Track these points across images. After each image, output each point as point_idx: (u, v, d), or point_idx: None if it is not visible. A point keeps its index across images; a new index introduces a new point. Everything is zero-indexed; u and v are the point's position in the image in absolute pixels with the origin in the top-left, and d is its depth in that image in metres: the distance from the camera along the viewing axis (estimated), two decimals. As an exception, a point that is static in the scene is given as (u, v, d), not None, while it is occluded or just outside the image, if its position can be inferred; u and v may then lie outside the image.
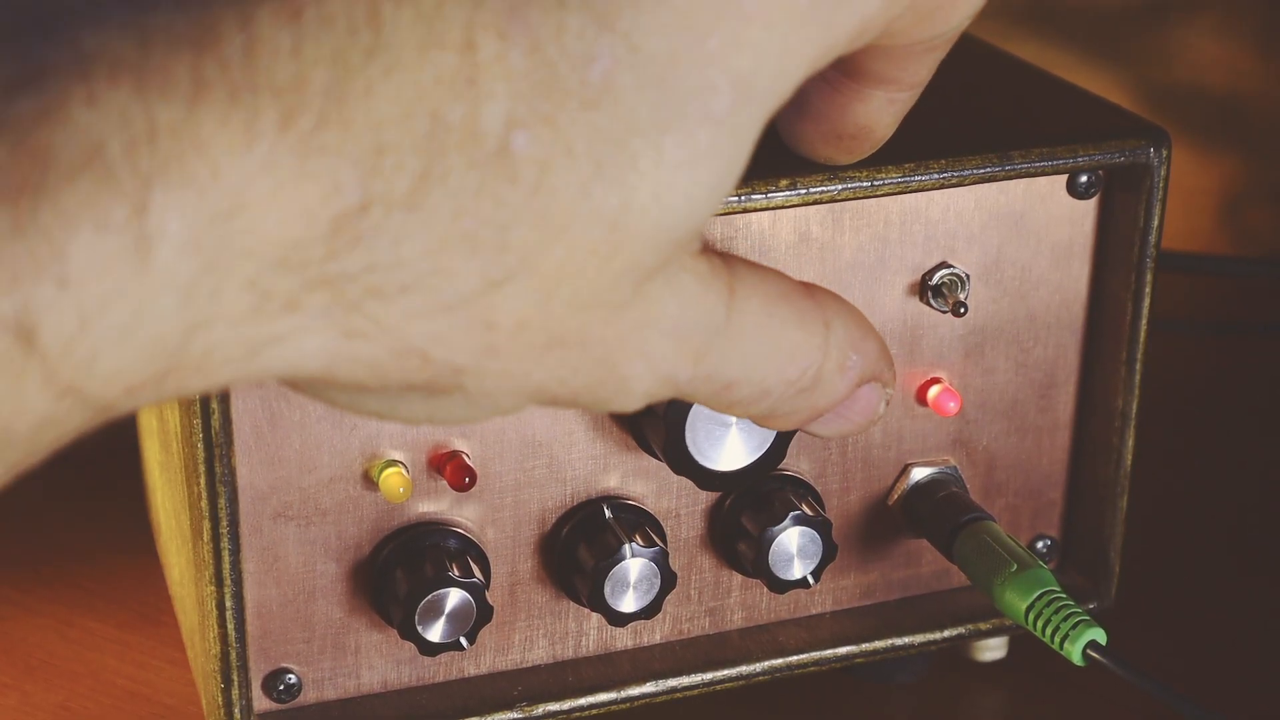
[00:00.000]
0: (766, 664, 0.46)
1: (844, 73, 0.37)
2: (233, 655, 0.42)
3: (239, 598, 0.41)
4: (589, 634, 0.46)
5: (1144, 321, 0.46)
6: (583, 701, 0.45)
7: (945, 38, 0.35)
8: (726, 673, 0.46)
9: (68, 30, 0.25)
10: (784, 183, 0.41)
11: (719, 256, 0.32)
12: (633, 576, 0.43)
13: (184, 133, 0.25)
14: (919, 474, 0.47)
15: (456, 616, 0.42)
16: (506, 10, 0.27)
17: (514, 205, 0.27)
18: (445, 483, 0.42)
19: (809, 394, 0.33)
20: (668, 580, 0.44)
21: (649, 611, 0.44)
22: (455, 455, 0.42)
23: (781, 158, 0.41)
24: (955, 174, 0.43)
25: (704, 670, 0.46)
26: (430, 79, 0.26)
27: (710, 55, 0.28)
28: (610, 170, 0.28)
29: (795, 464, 0.45)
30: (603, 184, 0.28)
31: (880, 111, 0.38)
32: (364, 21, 0.26)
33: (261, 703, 0.43)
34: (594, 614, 0.45)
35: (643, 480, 0.44)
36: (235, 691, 0.42)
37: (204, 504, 0.40)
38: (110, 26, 0.25)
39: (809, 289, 0.34)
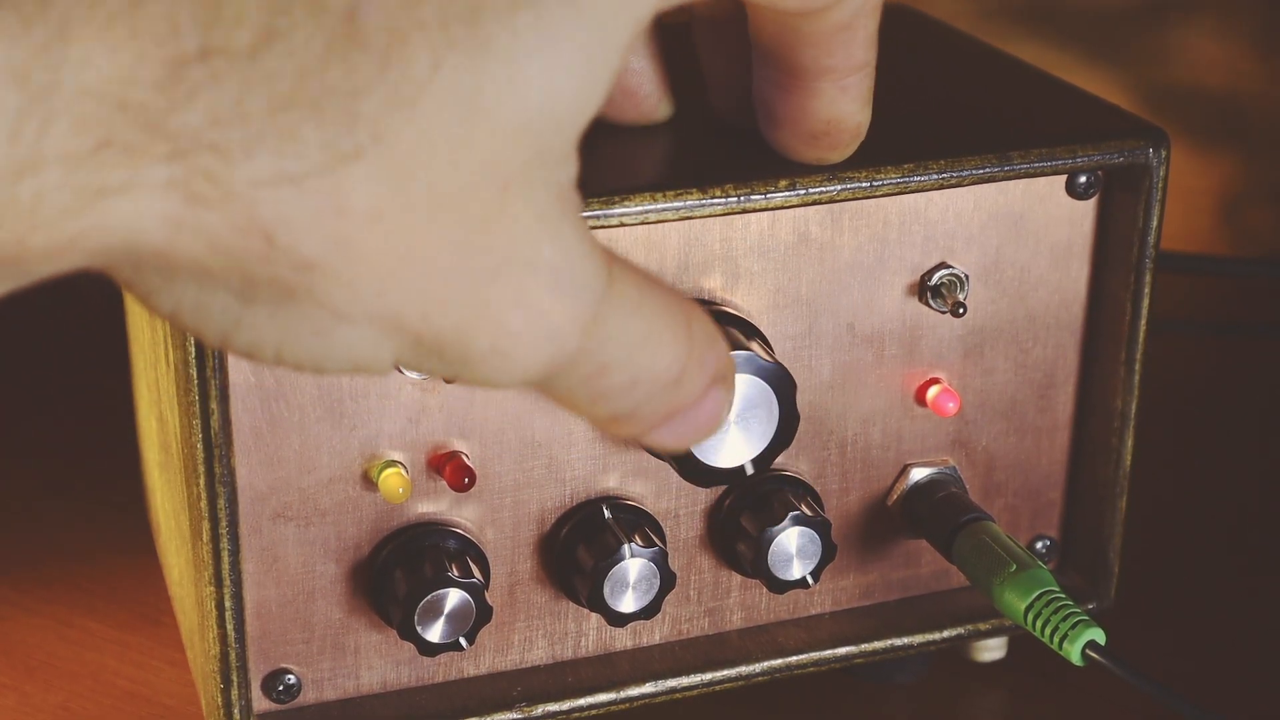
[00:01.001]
0: (766, 664, 0.46)
1: (785, 73, 0.38)
2: (232, 656, 0.42)
3: (238, 598, 0.41)
4: (588, 634, 0.46)
5: (1143, 322, 0.46)
6: (582, 702, 0.45)
7: (847, 12, 0.35)
8: (726, 673, 0.46)
9: None
10: (783, 183, 0.41)
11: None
12: (632, 577, 0.43)
13: None
14: (918, 474, 0.47)
15: (456, 617, 0.42)
16: None
17: (363, 73, 0.26)
18: (444, 483, 0.42)
19: (671, 390, 0.32)
20: (667, 580, 0.44)
21: (648, 612, 0.44)
22: (454, 456, 0.42)
23: (780, 158, 0.41)
24: (954, 174, 0.43)
25: (703, 671, 0.46)
26: None
27: None
28: (463, 47, 0.27)
29: (794, 464, 0.45)
30: (455, 58, 0.27)
31: (837, 101, 0.38)
32: None
33: (261, 703, 0.43)
34: (593, 614, 0.45)
35: (642, 480, 0.44)
36: (235, 692, 0.42)
37: (203, 504, 0.40)
38: None
39: (665, 284, 0.32)
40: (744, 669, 0.46)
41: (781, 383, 0.42)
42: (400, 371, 0.39)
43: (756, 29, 0.38)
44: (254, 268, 0.27)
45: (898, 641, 0.47)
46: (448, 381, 0.30)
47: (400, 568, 0.42)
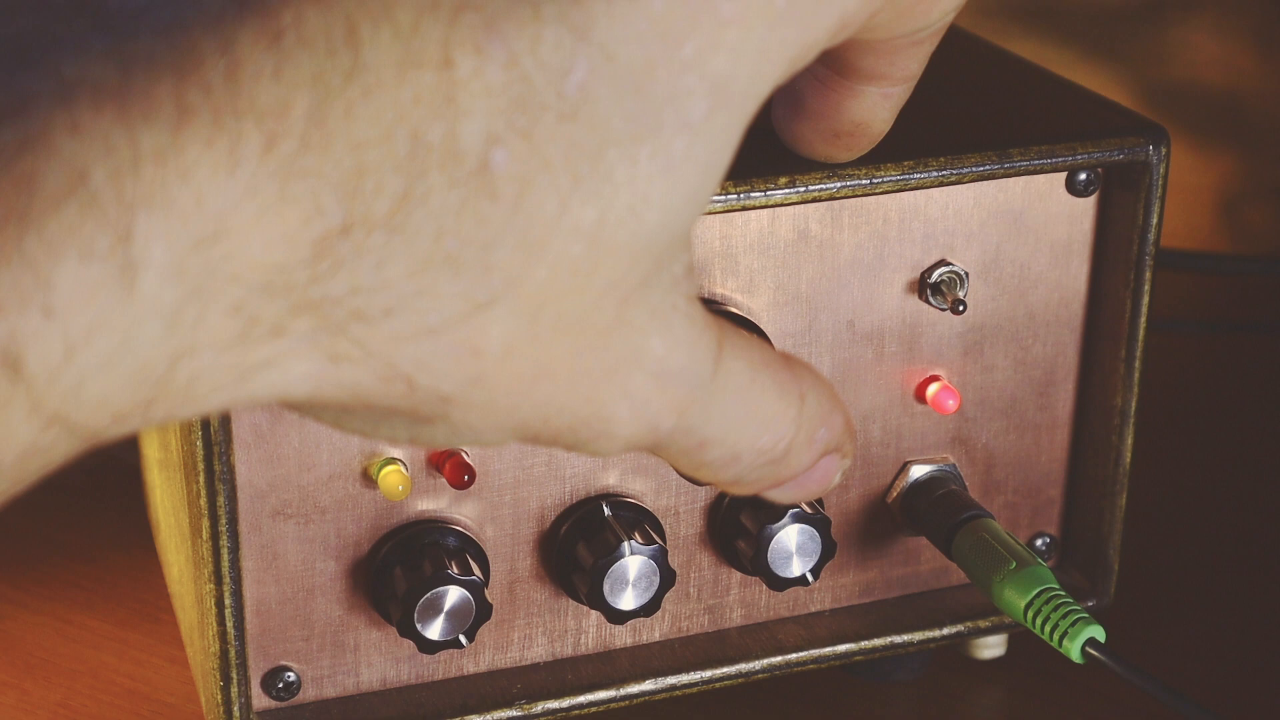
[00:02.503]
0: (765, 662, 0.46)
1: (835, 70, 0.37)
2: (232, 653, 0.42)
3: (238, 595, 0.41)
4: (588, 632, 0.46)
5: (1143, 319, 0.46)
6: (582, 699, 0.45)
7: (930, 31, 0.35)
8: (725, 671, 0.46)
9: (49, 59, 0.25)
10: (783, 180, 0.41)
11: (711, 314, 0.31)
12: (631, 574, 0.43)
13: (168, 158, 0.25)
14: (918, 472, 0.47)
15: (455, 614, 0.42)
16: (483, 25, 0.26)
17: (495, 224, 0.27)
18: (444, 480, 0.42)
19: (776, 465, 0.33)
20: (667, 578, 0.44)
21: (648, 609, 0.44)
22: (454, 453, 0.42)
23: (780, 156, 0.41)
24: (954, 171, 0.43)
25: (703, 668, 0.46)
26: (409, 98, 0.26)
27: (686, 62, 0.28)
28: (587, 183, 0.27)
29: (794, 462, 0.45)
30: (580, 197, 0.27)
31: (875, 107, 0.38)
32: (342, 43, 0.26)
33: (260, 700, 0.43)
34: (593, 612, 0.45)
35: (641, 478, 0.44)
36: (234, 689, 0.42)
37: (203, 502, 0.40)
38: (92, 54, 0.25)
39: (787, 359, 0.33)
40: (744, 666, 0.46)
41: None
42: None
43: None
44: (395, 403, 0.28)
45: (897, 639, 0.47)
46: None
47: (400, 565, 0.42)
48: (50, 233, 0.24)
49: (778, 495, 0.34)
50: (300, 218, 0.26)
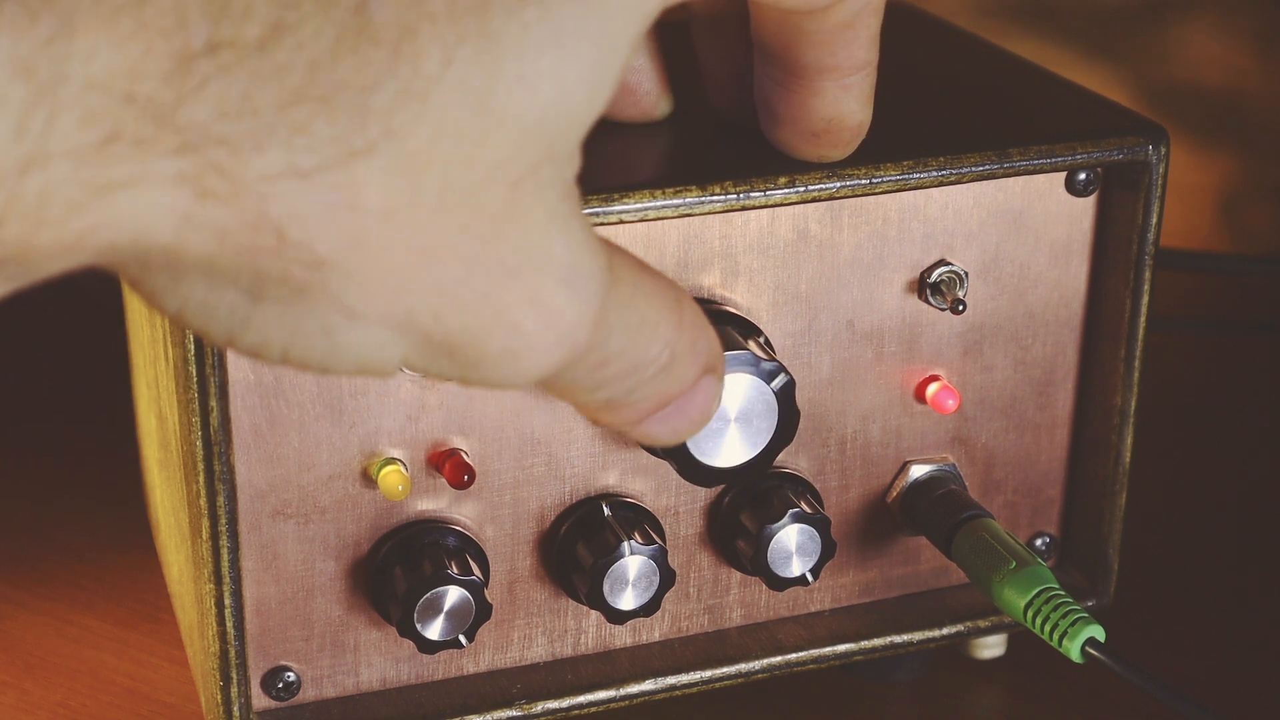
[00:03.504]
0: (765, 662, 0.46)
1: (787, 72, 0.38)
2: (231, 653, 0.42)
3: (238, 595, 0.41)
4: (588, 632, 0.46)
5: (1142, 319, 0.46)
6: (581, 699, 0.45)
7: (846, 12, 0.35)
8: (725, 671, 0.46)
9: None
10: (782, 180, 0.41)
11: None
12: (631, 574, 0.43)
13: None
14: (918, 471, 0.47)
15: (455, 614, 0.42)
16: None
17: (375, 68, 0.26)
18: (444, 480, 0.42)
19: (665, 374, 0.32)
20: (666, 578, 0.44)
21: (648, 609, 0.44)
22: (454, 453, 0.42)
23: (779, 156, 0.41)
24: (954, 171, 0.43)
25: (703, 668, 0.46)
26: None
27: None
28: (473, 41, 0.27)
29: (794, 461, 0.45)
30: (466, 53, 0.27)
31: (839, 100, 0.38)
32: None
33: (260, 700, 0.43)
34: (593, 612, 0.45)
35: (641, 478, 0.44)
36: (234, 689, 0.42)
37: (203, 502, 0.40)
38: None
39: (655, 270, 0.32)
40: (743, 666, 0.46)
41: (781, 379, 0.42)
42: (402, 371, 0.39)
43: (758, 28, 0.38)
44: (264, 264, 0.27)
45: (897, 639, 0.47)
46: (460, 383, 0.31)
47: (400, 565, 0.42)
48: None
49: (658, 425, 0.33)
50: (160, 28, 0.25)
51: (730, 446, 0.42)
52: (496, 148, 0.27)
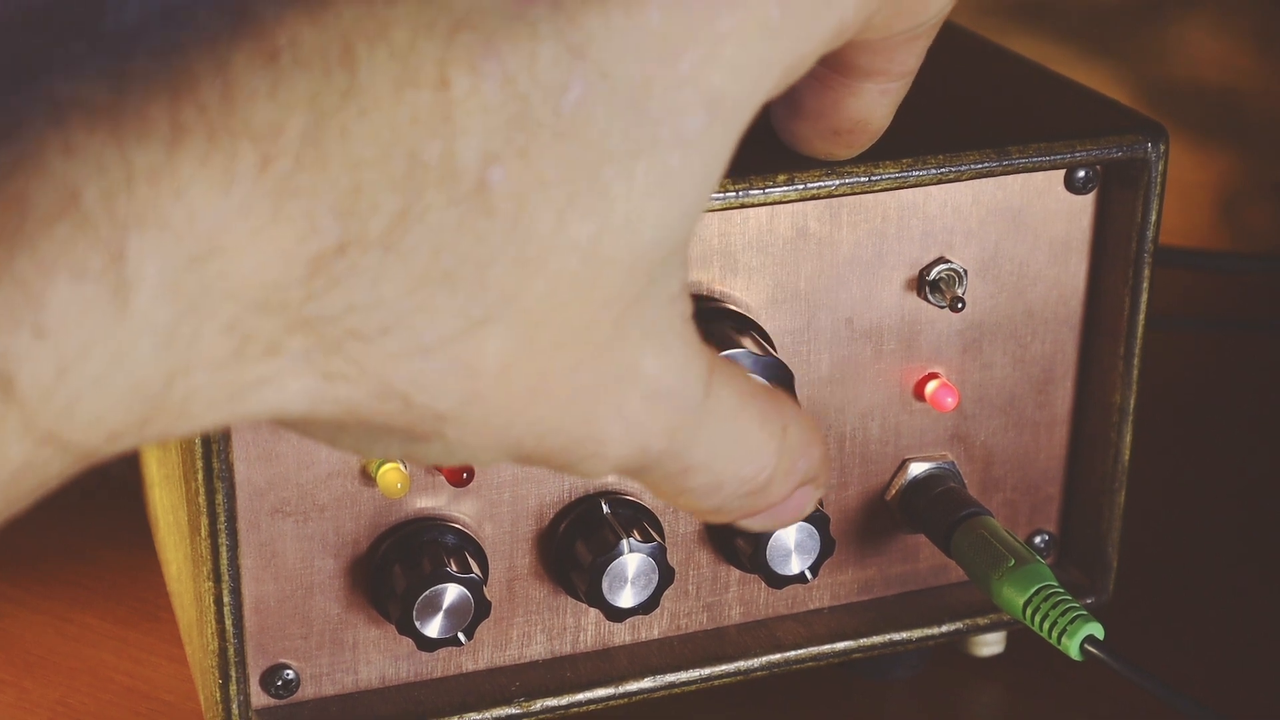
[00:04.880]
0: (764, 659, 0.46)
1: (833, 69, 0.37)
2: (231, 651, 0.42)
3: (237, 594, 0.41)
4: (587, 629, 0.46)
5: (1141, 317, 0.46)
6: (580, 697, 0.45)
7: (926, 26, 0.35)
8: (724, 668, 0.46)
9: (43, 80, 0.25)
10: (782, 178, 0.41)
11: (703, 340, 0.31)
12: (630, 572, 0.43)
13: (162, 177, 0.25)
14: (917, 469, 0.47)
15: (454, 612, 0.42)
16: (480, 44, 0.26)
17: (493, 241, 0.27)
18: (443, 478, 0.42)
19: (755, 495, 0.33)
20: (665, 575, 0.44)
21: (647, 607, 0.44)
22: (453, 451, 0.42)
23: (778, 153, 0.41)
24: (953, 169, 0.43)
25: (702, 666, 0.46)
26: (406, 118, 0.26)
27: (682, 78, 0.28)
28: (583, 199, 0.27)
29: (793, 459, 0.45)
30: (577, 213, 0.27)
31: (874, 104, 0.38)
32: (338, 62, 0.26)
33: (260, 698, 0.43)
34: (592, 609, 0.45)
35: (640, 476, 0.44)
36: (233, 687, 0.42)
37: (202, 500, 0.40)
38: (86, 74, 0.25)
39: (771, 389, 0.33)
40: (742, 664, 0.46)
41: (779, 376, 0.42)
42: None
43: None
44: (390, 421, 0.28)
45: (896, 636, 0.47)
46: None
47: (399, 563, 0.42)
48: (42, 252, 0.24)
49: (751, 524, 0.34)
50: (296, 236, 0.26)
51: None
52: (603, 289, 0.28)
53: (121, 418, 0.26)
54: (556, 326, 0.28)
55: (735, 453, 0.32)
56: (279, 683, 0.43)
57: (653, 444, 0.31)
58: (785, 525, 0.35)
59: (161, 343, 0.25)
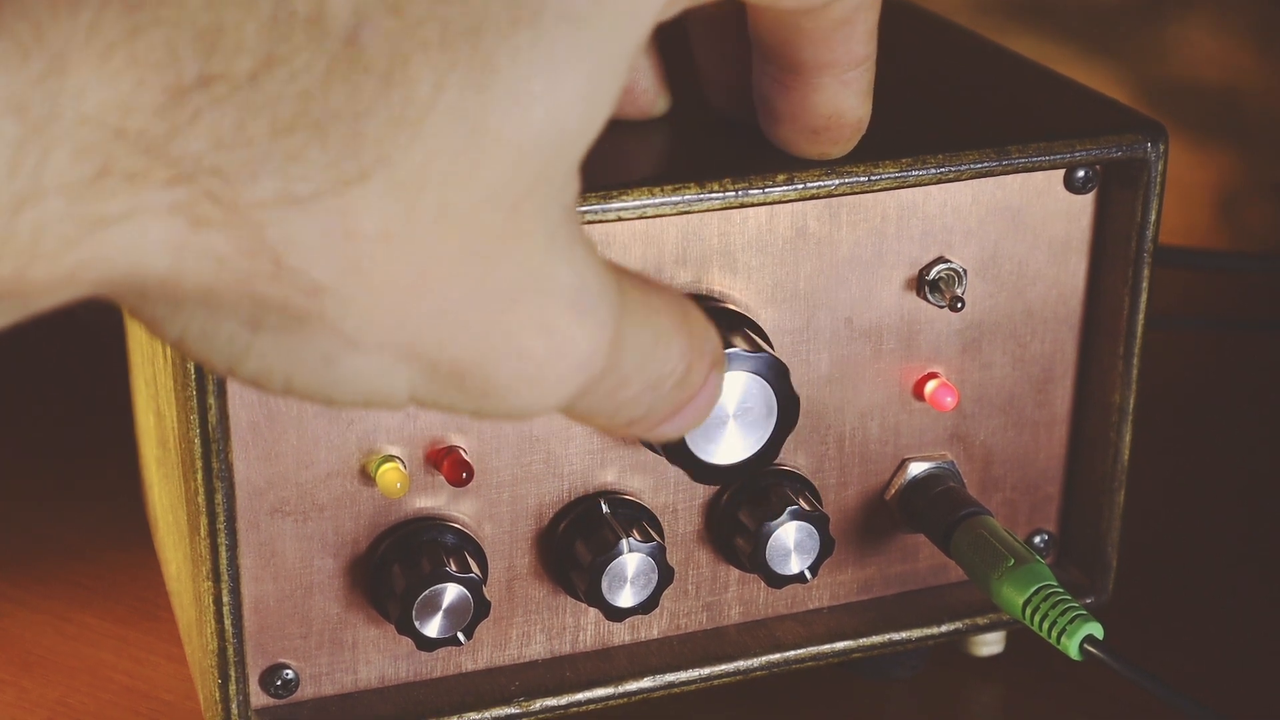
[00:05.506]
0: (764, 659, 0.46)
1: (786, 69, 0.38)
2: (230, 651, 0.42)
3: (236, 593, 0.41)
4: (586, 629, 0.46)
5: (1141, 316, 0.46)
6: (580, 697, 0.45)
7: (847, 6, 0.35)
8: (724, 668, 0.46)
9: None
10: (781, 178, 0.41)
11: None
12: (630, 572, 0.43)
13: None
14: (916, 469, 0.47)
15: (454, 612, 0.42)
16: None
17: (367, 95, 0.26)
18: (442, 478, 0.42)
19: (680, 385, 0.32)
20: (665, 575, 0.44)
21: (646, 607, 0.44)
22: (452, 450, 0.42)
23: (777, 153, 0.41)
24: (952, 169, 0.43)
25: (701, 665, 0.46)
26: None
27: None
28: (466, 66, 0.27)
29: (792, 459, 0.45)
30: (458, 78, 0.27)
31: (838, 96, 0.38)
32: None
33: (259, 698, 0.43)
34: (591, 609, 0.45)
35: (640, 475, 0.44)
36: (233, 687, 0.42)
37: (201, 499, 0.40)
38: None
39: (657, 281, 0.33)
40: (742, 664, 0.46)
41: (774, 372, 0.42)
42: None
43: (756, 26, 0.38)
44: (262, 291, 0.27)
45: (895, 636, 0.47)
46: (475, 416, 0.31)
47: (398, 563, 0.42)
48: None
49: (670, 427, 0.33)
50: (152, 62, 0.25)
51: (732, 442, 0.42)
52: (491, 170, 0.27)
53: None
54: (440, 201, 0.27)
55: (657, 351, 0.31)
56: (278, 682, 0.43)
57: (595, 362, 0.29)
58: (704, 417, 0.33)
59: (7, 163, 0.25)
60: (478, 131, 0.27)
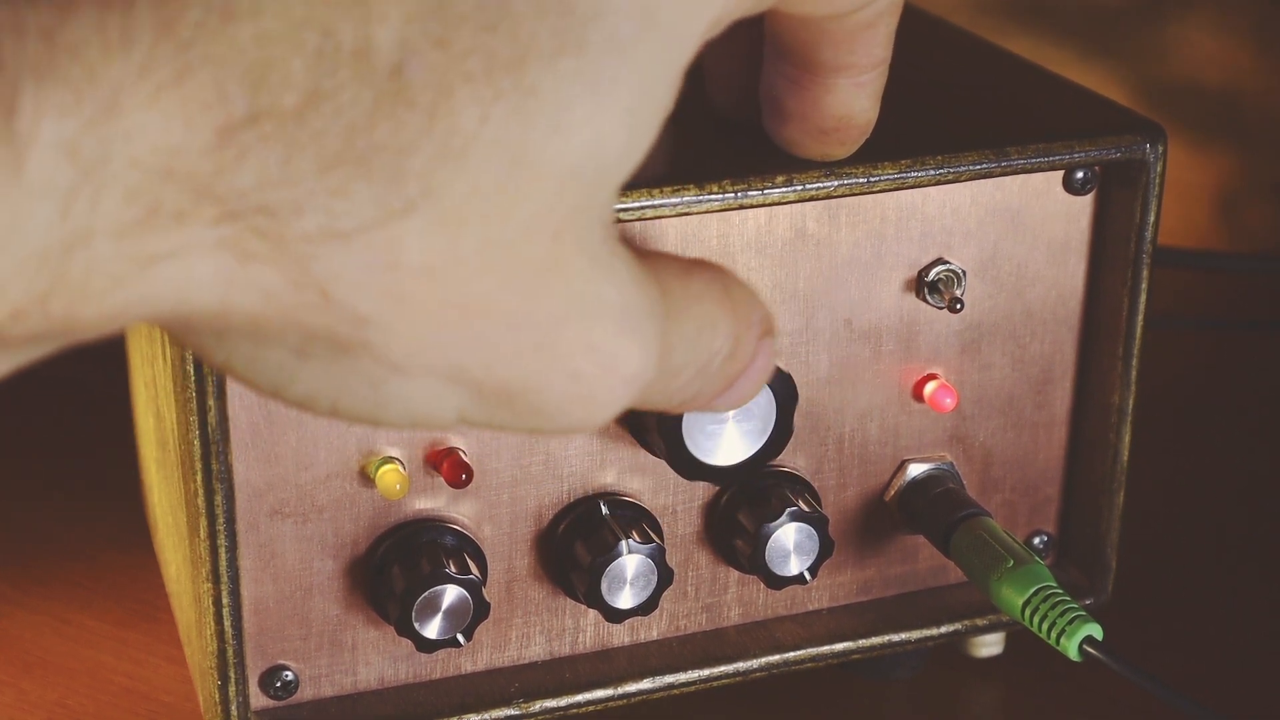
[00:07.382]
0: (763, 660, 0.46)
1: (802, 69, 0.38)
2: (229, 652, 0.42)
3: (236, 595, 0.41)
4: (586, 630, 0.46)
5: (1140, 317, 0.46)
6: (579, 698, 0.45)
7: (873, 11, 0.35)
8: (723, 669, 0.46)
9: None
10: (780, 179, 0.41)
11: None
12: (629, 573, 0.43)
13: (55, 36, 0.24)
14: (915, 470, 0.47)
15: (453, 613, 0.42)
16: None
17: (411, 129, 0.26)
18: (442, 479, 0.42)
19: (730, 359, 0.33)
20: (664, 577, 0.44)
21: (646, 608, 0.44)
22: (452, 452, 0.42)
23: (777, 154, 0.41)
24: (951, 170, 0.43)
25: (701, 667, 0.46)
26: None
27: None
28: (510, 97, 0.27)
29: (792, 460, 0.45)
30: (502, 109, 0.27)
31: (851, 98, 0.38)
32: None
33: (258, 700, 0.43)
34: (591, 610, 0.45)
35: (639, 476, 0.44)
36: (232, 688, 0.42)
37: (200, 501, 0.40)
38: None
39: (694, 260, 0.33)
40: (741, 665, 0.46)
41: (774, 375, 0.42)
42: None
43: (774, 25, 0.38)
44: (309, 321, 0.27)
45: (895, 637, 0.47)
46: (531, 434, 0.31)
47: (398, 564, 0.42)
48: None
49: (726, 400, 0.33)
50: (201, 102, 0.25)
51: (730, 442, 0.42)
52: (533, 200, 0.28)
53: (21, 290, 0.25)
54: (484, 233, 0.27)
55: (704, 336, 0.32)
56: (278, 684, 0.43)
57: (644, 376, 0.30)
58: (759, 388, 0.34)
59: (60, 207, 0.25)
60: (519, 163, 0.27)
